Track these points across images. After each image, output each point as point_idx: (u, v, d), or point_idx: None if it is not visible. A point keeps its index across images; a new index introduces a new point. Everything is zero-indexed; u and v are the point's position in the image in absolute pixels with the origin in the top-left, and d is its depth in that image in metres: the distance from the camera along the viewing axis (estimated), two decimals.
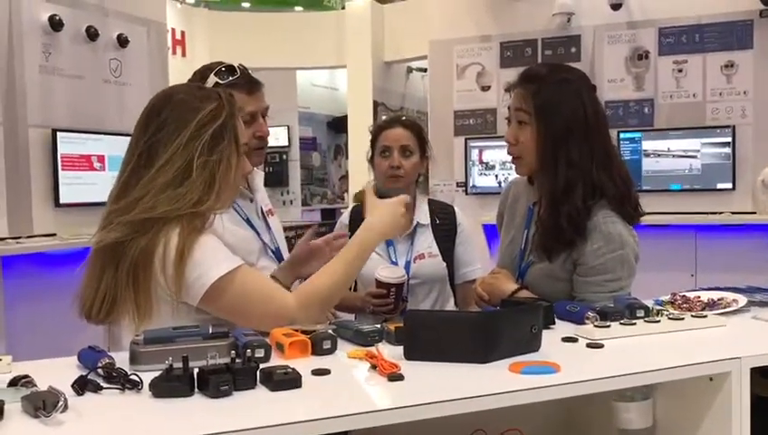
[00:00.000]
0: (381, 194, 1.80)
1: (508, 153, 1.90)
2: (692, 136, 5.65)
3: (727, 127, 5.53)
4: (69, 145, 4.84)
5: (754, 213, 5.35)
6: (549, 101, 1.79)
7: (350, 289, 2.32)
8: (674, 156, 5.69)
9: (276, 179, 9.38)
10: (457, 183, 6.41)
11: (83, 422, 0.98)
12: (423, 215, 2.41)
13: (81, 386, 1.09)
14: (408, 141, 2.38)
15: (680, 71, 5.73)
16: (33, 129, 4.70)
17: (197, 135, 1.48)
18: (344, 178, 9.98)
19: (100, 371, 1.16)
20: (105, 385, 1.11)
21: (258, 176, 2.19)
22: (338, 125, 10.02)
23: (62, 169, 4.79)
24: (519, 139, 1.84)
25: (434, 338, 1.25)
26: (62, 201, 4.76)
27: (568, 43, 6.07)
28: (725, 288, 1.74)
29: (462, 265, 2.45)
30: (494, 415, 1.43)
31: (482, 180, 6.32)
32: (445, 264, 2.39)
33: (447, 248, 2.41)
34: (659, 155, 5.74)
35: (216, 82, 1.95)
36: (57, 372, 1.18)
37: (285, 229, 2.43)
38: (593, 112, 1.82)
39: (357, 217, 2.11)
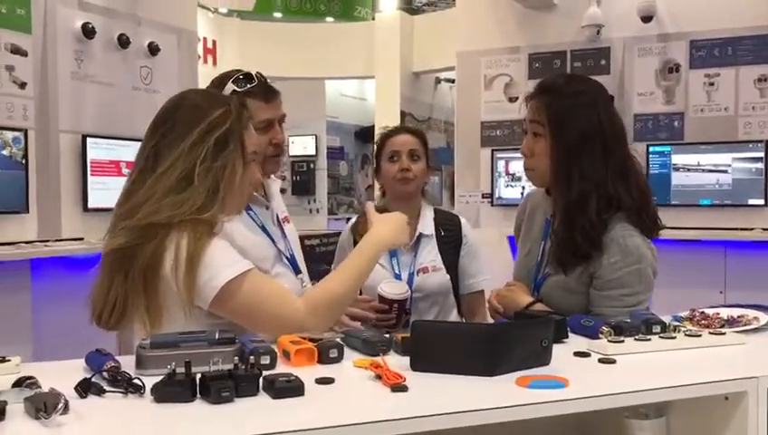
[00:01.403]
0: (382, 211, 1.81)
1: (523, 166, 1.88)
2: (723, 150, 5.55)
3: (760, 142, 5.42)
4: (98, 151, 4.92)
5: None
6: (563, 112, 1.77)
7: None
8: (704, 170, 5.60)
9: (303, 188, 9.44)
10: (483, 194, 6.37)
11: (82, 425, 0.98)
12: (427, 226, 2.40)
13: (85, 389, 1.10)
14: (416, 146, 2.39)
15: (712, 84, 5.64)
16: (63, 134, 4.79)
17: (201, 140, 1.48)
18: (371, 187, 10.00)
19: (105, 374, 1.17)
20: (108, 388, 1.12)
21: (274, 183, 2.19)
22: (365, 135, 10.04)
23: (92, 175, 4.87)
24: (534, 151, 1.82)
25: (441, 349, 1.23)
26: (90, 206, 4.83)
27: (597, 55, 6.01)
28: (747, 305, 1.70)
29: (467, 277, 2.43)
30: (503, 431, 1.42)
31: (508, 192, 6.27)
32: (449, 277, 2.37)
33: (452, 260, 2.40)
34: (689, 169, 5.65)
35: (234, 90, 1.96)
36: (64, 375, 1.18)
37: (310, 238, 2.45)
38: (609, 124, 1.79)
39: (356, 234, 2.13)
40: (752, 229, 5.31)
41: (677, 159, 5.68)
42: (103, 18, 5.09)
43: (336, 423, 0.98)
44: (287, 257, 2.07)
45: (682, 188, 5.66)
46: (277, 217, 2.13)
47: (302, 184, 9.35)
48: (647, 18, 5.70)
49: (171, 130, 1.50)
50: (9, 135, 4.42)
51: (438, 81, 8.89)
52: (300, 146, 9.44)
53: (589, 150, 1.75)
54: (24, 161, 4.48)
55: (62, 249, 4.50)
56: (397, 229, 1.66)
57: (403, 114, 8.18)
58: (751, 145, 5.46)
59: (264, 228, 2.05)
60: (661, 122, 5.80)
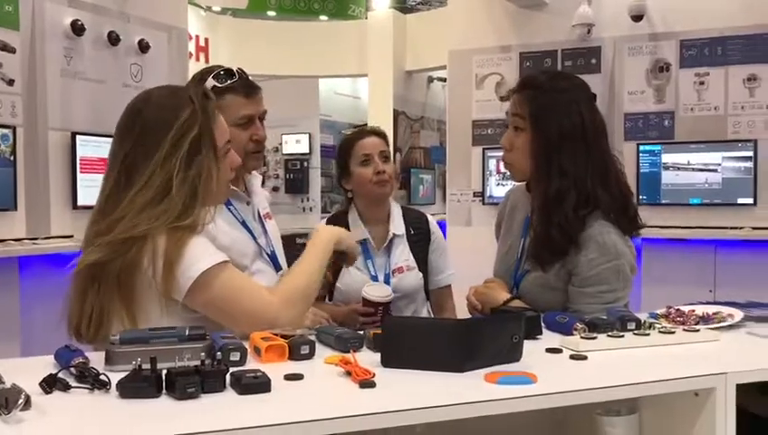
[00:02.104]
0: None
1: (502, 159, 1.88)
2: (713, 149, 5.56)
3: (749, 141, 5.43)
4: (88, 148, 4.90)
5: None
6: (544, 108, 1.77)
7: (326, 299, 2.32)
8: (694, 169, 5.61)
9: (297, 186, 9.43)
10: (474, 193, 6.37)
11: (44, 420, 0.97)
12: (398, 226, 2.42)
13: (50, 384, 1.09)
14: (384, 147, 2.40)
15: (702, 83, 5.65)
16: (52, 131, 4.77)
17: (174, 151, 1.47)
18: None
19: (72, 370, 1.16)
20: (74, 384, 1.11)
21: (256, 179, 2.19)
22: None
23: (81, 172, 4.85)
24: (514, 144, 1.82)
25: (411, 346, 1.23)
26: (79, 203, 4.82)
27: (588, 54, 6.01)
28: (724, 302, 1.70)
29: (436, 272, 2.46)
30: (477, 428, 1.42)
31: (499, 190, 6.27)
32: (421, 274, 2.40)
33: (422, 257, 2.42)
34: (679, 168, 5.66)
35: (214, 85, 1.95)
36: (32, 371, 1.17)
37: (303, 236, 2.46)
38: (591, 122, 1.79)
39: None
40: (741, 228, 5.32)
41: (668, 158, 5.69)
42: (92, 15, 5.07)
43: (300, 419, 0.98)
44: (268, 254, 2.07)
45: (672, 187, 5.67)
46: (258, 212, 2.13)
47: (295, 182, 9.34)
48: (637, 17, 5.70)
49: (141, 139, 1.49)
50: None
51: (431, 80, 8.89)
52: (293, 144, 9.42)
53: (569, 147, 1.75)
54: (12, 158, 4.46)
55: (50, 247, 4.48)
56: (335, 228, 1.79)
57: (396, 113, 8.18)
58: (740, 144, 5.47)
59: (244, 224, 2.04)
60: (651, 121, 5.81)
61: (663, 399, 1.29)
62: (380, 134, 2.45)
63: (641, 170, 5.74)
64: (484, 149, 6.32)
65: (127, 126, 1.53)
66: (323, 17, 9.24)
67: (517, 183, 1.94)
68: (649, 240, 5.59)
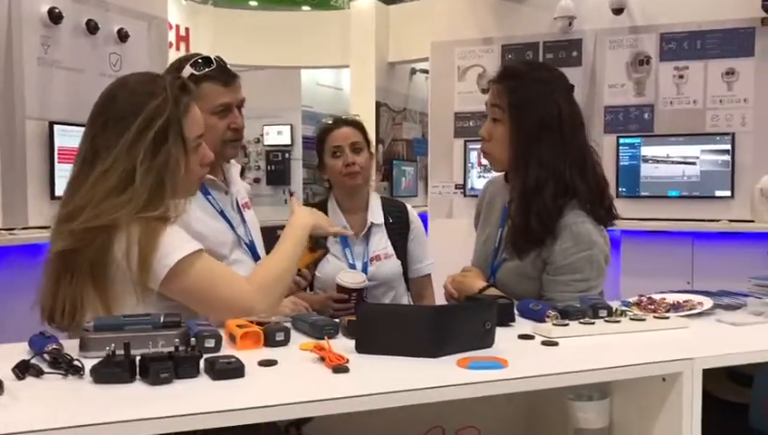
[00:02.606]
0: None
1: (481, 149, 1.89)
2: (691, 143, 5.62)
3: (727, 134, 5.49)
4: (66, 138, 4.84)
5: (752, 221, 5.31)
6: (523, 98, 1.79)
7: (307, 290, 2.33)
8: (673, 162, 5.66)
9: (278, 178, 9.40)
10: (456, 185, 6.40)
11: (16, 406, 0.98)
12: (377, 215, 2.43)
13: (22, 370, 1.09)
14: (357, 138, 2.40)
15: (681, 77, 5.70)
16: (30, 121, 4.72)
17: (140, 137, 1.46)
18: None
19: (46, 356, 1.16)
20: (48, 370, 1.11)
21: (234, 168, 2.19)
22: None
23: (59, 162, 4.80)
24: (493, 135, 1.83)
25: (385, 332, 1.24)
26: (57, 194, 4.77)
27: (569, 47, 6.04)
28: (695, 291, 1.73)
29: (415, 261, 2.49)
30: (453, 412, 1.44)
31: (480, 183, 6.29)
32: (400, 262, 2.42)
33: (401, 246, 2.45)
34: (658, 161, 5.71)
35: (192, 73, 1.95)
36: (5, 357, 1.17)
37: (284, 227, 2.45)
38: (569, 113, 1.81)
39: None
40: (719, 220, 5.39)
41: (647, 150, 5.75)
42: (71, 3, 5.01)
43: (272, 403, 0.99)
44: (246, 243, 2.07)
45: (651, 179, 5.73)
46: (237, 202, 2.13)
47: (277, 174, 9.31)
48: (618, 11, 5.74)
49: (109, 122, 1.48)
50: None
51: (414, 71, 8.89)
52: (275, 135, 9.38)
53: (547, 138, 1.77)
54: None
55: (28, 237, 4.44)
56: (313, 213, 1.79)
57: (378, 104, 8.17)
58: (718, 138, 5.53)
59: (222, 213, 2.04)
60: (631, 114, 5.86)
61: (633, 384, 1.31)
62: (355, 124, 2.45)
63: (621, 163, 5.79)
64: (465, 141, 6.35)
65: (99, 109, 1.52)
66: (306, 7, 9.21)
67: (496, 173, 1.96)
68: (628, 232, 5.64)
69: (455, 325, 1.24)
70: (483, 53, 6.37)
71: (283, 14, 8.65)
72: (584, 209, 1.78)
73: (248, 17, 8.54)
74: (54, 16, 4.86)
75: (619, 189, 5.79)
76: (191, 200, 1.90)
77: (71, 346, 1.23)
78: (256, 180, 10.57)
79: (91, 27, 5.13)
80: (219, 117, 2.00)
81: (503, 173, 1.97)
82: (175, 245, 1.44)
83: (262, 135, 10.11)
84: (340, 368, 1.14)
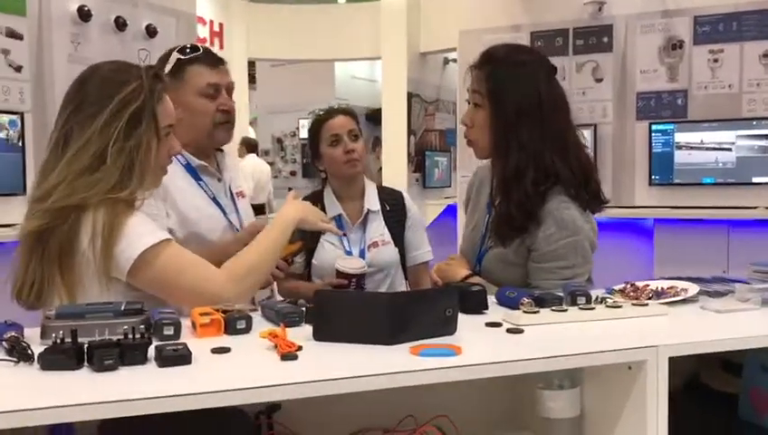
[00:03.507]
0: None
1: (464, 136, 1.86)
2: (727, 128, 5.45)
3: (764, 119, 5.31)
4: None
5: None
6: (501, 83, 1.75)
7: (306, 279, 2.33)
8: (707, 148, 5.50)
9: (313, 171, 9.43)
10: None
11: None
12: (373, 202, 2.43)
13: None
14: (353, 126, 2.40)
15: (716, 60, 5.53)
16: None
17: (113, 120, 1.48)
18: (381, 170, 9.98)
19: (4, 344, 1.18)
20: (1, 357, 1.13)
21: (228, 156, 2.19)
22: (376, 117, 10.01)
23: None
24: (474, 121, 1.80)
25: (341, 319, 1.23)
26: None
27: (599, 32, 5.91)
28: (687, 278, 1.67)
29: (412, 249, 2.47)
30: (426, 402, 1.42)
31: None
32: (397, 249, 2.40)
33: (398, 233, 2.43)
34: (692, 148, 5.55)
35: (178, 58, 1.98)
36: None
37: None
38: (548, 96, 1.76)
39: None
40: (755, 208, 5.23)
41: (680, 137, 5.59)
42: (100, 1, 5.10)
43: (208, 389, 0.99)
44: (237, 230, 2.08)
45: (685, 166, 5.58)
46: (230, 189, 2.14)
47: (311, 166, 9.35)
48: None
49: (81, 106, 1.50)
50: (5, 118, 4.48)
51: (446, 61, 8.81)
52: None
53: (526, 122, 1.73)
54: (20, 144, 4.54)
55: None
56: (305, 208, 1.77)
57: (410, 95, 8.13)
58: (755, 122, 5.35)
59: (215, 200, 2.06)
60: (664, 100, 5.71)
61: (602, 372, 1.28)
62: (349, 113, 2.45)
63: (653, 150, 5.65)
64: None
65: (72, 93, 1.54)
66: (341, 0, 9.20)
67: (481, 160, 1.92)
68: (662, 220, 5.52)
69: (412, 313, 1.22)
70: (512, 41, 6.23)
71: (316, 7, 8.67)
72: (569, 195, 1.74)
73: (281, 11, 8.58)
74: (84, 14, 4.96)
75: (652, 177, 5.66)
76: (184, 187, 1.93)
77: (35, 334, 1.25)
78: (292, 173, 10.67)
79: (120, 24, 5.22)
80: (209, 99, 2.02)
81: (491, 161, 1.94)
82: (138, 235, 1.45)
83: (297, 128, 10.18)
84: (289, 355, 1.13)
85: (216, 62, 2.05)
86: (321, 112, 2.47)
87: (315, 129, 2.43)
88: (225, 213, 2.05)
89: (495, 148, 1.77)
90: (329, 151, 2.37)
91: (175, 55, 2.00)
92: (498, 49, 1.88)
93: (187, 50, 2.02)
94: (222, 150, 2.17)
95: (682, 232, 5.41)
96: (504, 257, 1.78)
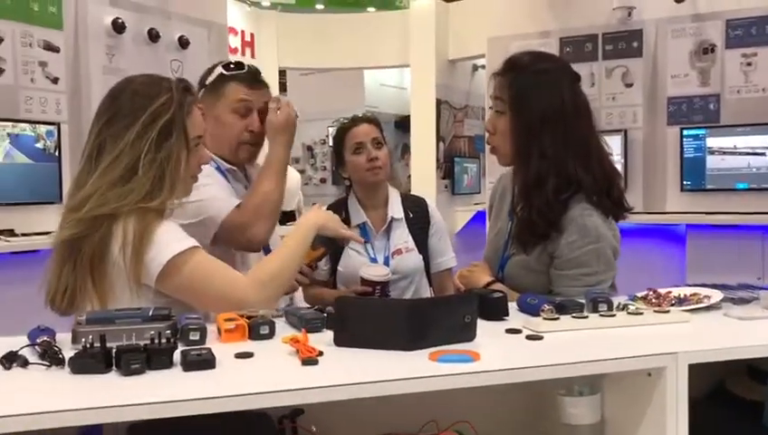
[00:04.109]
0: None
1: (486, 143, 1.88)
2: (761, 132, 5.37)
3: None
4: None
5: None
6: (524, 90, 1.76)
7: (332, 287, 2.35)
8: (740, 153, 5.43)
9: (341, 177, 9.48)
10: None
11: None
12: (397, 210, 2.45)
13: (9, 360, 1.16)
14: (377, 134, 2.43)
15: (749, 64, 5.46)
16: None
17: (144, 132, 1.53)
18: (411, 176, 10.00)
19: (38, 348, 1.22)
20: (33, 361, 1.17)
21: (256, 169, 2.22)
22: (405, 124, 10.03)
23: None
24: (497, 128, 1.82)
25: (361, 325, 1.25)
26: None
27: (629, 37, 5.88)
28: (712, 285, 1.66)
29: (436, 256, 2.48)
30: (447, 408, 1.43)
31: None
32: (421, 256, 2.41)
33: (422, 240, 2.45)
34: (725, 152, 5.48)
35: (221, 73, 2.05)
36: (7, 349, 1.24)
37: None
38: (572, 104, 1.77)
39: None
40: None
41: (713, 142, 5.53)
42: (133, 13, 5.23)
43: (229, 393, 1.02)
44: None
45: (717, 172, 5.51)
46: None
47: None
48: None
49: (114, 119, 1.55)
50: (43, 129, 4.60)
51: (475, 68, 8.79)
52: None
53: (549, 130, 1.74)
54: (57, 154, 4.66)
55: None
56: (326, 214, 1.82)
57: (439, 102, 8.14)
58: None
59: None
60: (696, 105, 5.65)
61: (622, 379, 1.28)
62: (372, 121, 2.48)
63: (685, 155, 5.59)
64: None
65: (105, 106, 1.60)
66: (371, 9, 9.24)
67: (504, 167, 1.94)
68: (694, 227, 5.45)
69: (431, 319, 1.24)
70: (540, 48, 6.20)
71: (345, 16, 8.71)
72: (591, 202, 1.74)
73: (310, 21, 8.65)
74: (118, 26, 5.08)
75: (684, 182, 5.60)
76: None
77: (67, 339, 1.29)
78: (322, 180, 10.73)
79: (153, 35, 5.33)
80: (239, 117, 2.06)
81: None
82: (167, 241, 1.49)
83: (327, 136, 10.25)
84: (310, 360, 1.16)
85: (255, 82, 2.09)
86: (346, 121, 2.50)
87: (339, 137, 2.46)
88: None
89: (518, 155, 1.78)
90: (352, 159, 2.40)
91: (219, 69, 2.06)
92: (521, 56, 1.89)
93: (231, 66, 2.08)
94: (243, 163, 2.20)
95: (715, 238, 5.35)
96: (526, 264, 1.78)
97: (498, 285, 1.79)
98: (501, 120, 1.81)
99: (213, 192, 1.90)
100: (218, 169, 2.07)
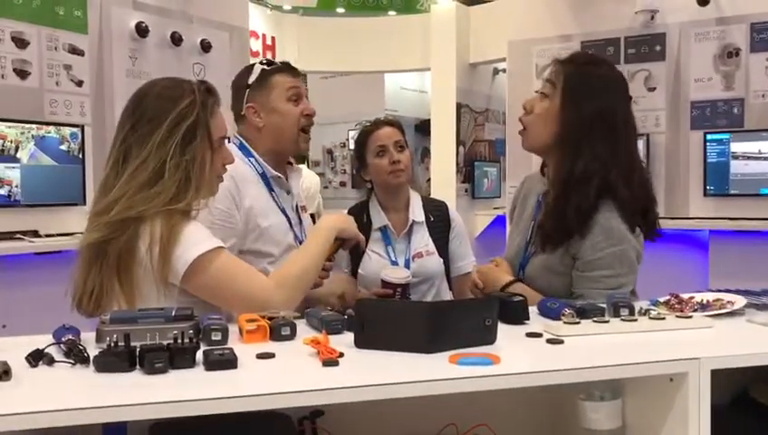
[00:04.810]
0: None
1: (519, 120, 1.88)
2: None
3: None
4: None
5: None
6: (583, 85, 1.76)
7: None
8: (765, 158, 5.37)
9: (364, 181, 9.50)
10: None
11: (17, 390, 1.05)
12: (418, 213, 2.46)
13: (35, 358, 1.17)
14: (399, 137, 2.44)
15: None
16: None
17: (169, 136, 1.55)
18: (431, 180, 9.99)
19: (62, 346, 1.24)
20: (59, 359, 1.19)
21: (297, 172, 2.25)
22: (425, 128, 10.04)
23: None
24: (534, 108, 1.81)
25: (382, 327, 1.25)
26: None
27: (652, 41, 5.84)
28: (735, 290, 1.65)
29: (457, 259, 2.49)
30: (467, 411, 1.44)
31: None
32: (441, 260, 2.41)
33: (442, 244, 2.45)
34: (749, 157, 5.43)
35: (263, 69, 2.13)
36: (33, 347, 1.26)
37: None
38: (624, 117, 1.78)
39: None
40: None
41: (737, 146, 5.48)
42: (156, 17, 5.28)
43: (250, 393, 1.02)
44: (300, 242, 2.13)
45: (741, 177, 5.46)
46: (297, 204, 2.20)
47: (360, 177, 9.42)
48: (703, 2, 5.52)
49: (139, 124, 1.57)
50: (67, 131, 4.66)
51: (496, 72, 8.77)
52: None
53: (600, 133, 1.73)
54: (80, 156, 4.71)
55: None
56: (344, 217, 1.85)
57: (459, 106, 8.13)
58: None
59: (284, 211, 2.12)
60: (719, 109, 5.60)
61: (643, 384, 1.27)
62: (394, 124, 2.49)
63: (708, 160, 5.55)
64: None
65: (129, 111, 1.62)
66: (392, 12, 9.26)
67: (527, 151, 1.94)
68: (717, 232, 5.40)
69: (451, 322, 1.24)
70: (561, 51, 6.20)
71: (365, 20, 8.73)
72: (617, 210, 1.73)
73: (330, 24, 8.68)
74: (141, 30, 5.14)
75: (707, 187, 5.55)
76: (256, 195, 1.98)
77: (92, 338, 1.31)
78: (342, 184, 10.75)
79: (176, 39, 5.39)
80: (294, 103, 2.15)
81: (539, 169, 1.95)
82: (194, 242, 1.51)
83: (347, 139, 10.27)
84: (330, 361, 1.16)
85: (295, 72, 2.20)
86: (369, 124, 2.51)
87: (362, 139, 2.47)
88: (291, 225, 2.11)
89: (562, 144, 1.76)
90: (375, 162, 2.41)
91: (258, 66, 2.15)
92: (589, 55, 1.90)
93: (270, 62, 2.19)
94: (291, 164, 2.23)
95: (738, 244, 5.29)
96: (548, 265, 1.78)
97: (518, 285, 1.79)
98: (542, 102, 1.81)
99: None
100: (263, 175, 2.09)
